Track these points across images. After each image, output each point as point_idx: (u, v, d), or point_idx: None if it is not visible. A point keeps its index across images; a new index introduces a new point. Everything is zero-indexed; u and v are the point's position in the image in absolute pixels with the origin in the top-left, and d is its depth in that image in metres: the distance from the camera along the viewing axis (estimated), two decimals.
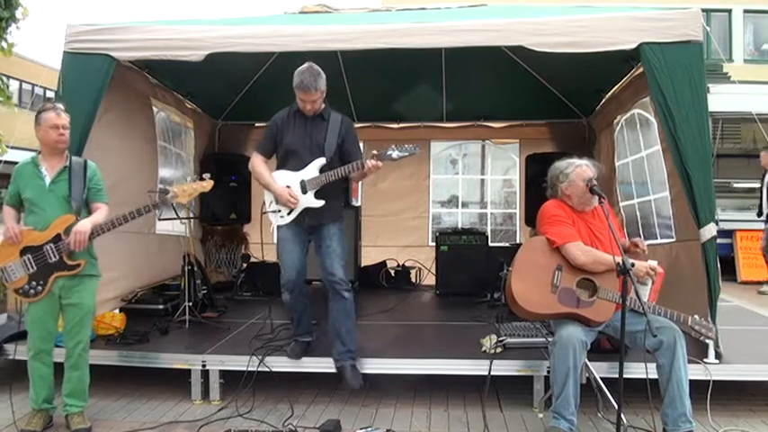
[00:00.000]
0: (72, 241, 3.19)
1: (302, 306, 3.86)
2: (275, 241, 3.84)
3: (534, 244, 3.35)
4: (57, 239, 3.23)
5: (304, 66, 3.55)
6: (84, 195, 3.34)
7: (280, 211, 3.66)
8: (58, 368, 3.43)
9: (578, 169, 3.31)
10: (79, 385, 3.38)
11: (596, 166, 3.38)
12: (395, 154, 3.48)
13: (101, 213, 3.35)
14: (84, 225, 3.23)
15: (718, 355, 3.69)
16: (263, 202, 3.77)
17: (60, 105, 3.32)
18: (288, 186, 3.60)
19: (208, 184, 3.45)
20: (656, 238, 5.07)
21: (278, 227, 3.73)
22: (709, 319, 3.43)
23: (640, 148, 5.41)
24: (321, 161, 3.58)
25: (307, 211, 3.62)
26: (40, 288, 3.23)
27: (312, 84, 3.49)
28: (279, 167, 3.72)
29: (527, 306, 3.20)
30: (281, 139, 3.70)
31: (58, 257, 3.23)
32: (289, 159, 3.67)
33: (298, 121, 3.68)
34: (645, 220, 5.48)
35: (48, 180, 3.29)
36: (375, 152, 3.48)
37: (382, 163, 3.49)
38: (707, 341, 3.58)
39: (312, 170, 3.59)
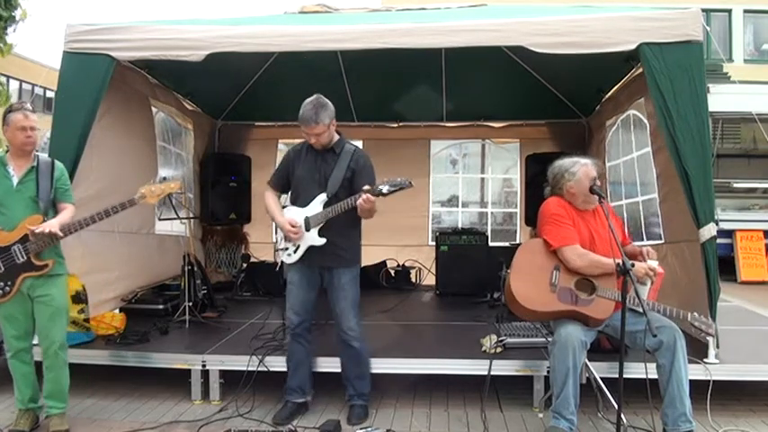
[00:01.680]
0: (39, 229, 3.14)
1: (301, 354, 3.63)
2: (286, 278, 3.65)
3: (532, 245, 3.36)
4: (24, 240, 3.20)
5: (311, 97, 3.42)
6: (52, 195, 3.32)
7: (287, 248, 3.54)
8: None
9: (585, 168, 3.31)
10: (56, 386, 3.33)
11: (598, 166, 3.39)
12: (385, 189, 3.30)
13: (67, 213, 3.33)
14: (52, 224, 3.20)
15: (717, 344, 3.68)
16: (276, 240, 3.65)
17: (28, 106, 3.27)
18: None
19: (175, 185, 3.44)
20: (643, 239, 5.08)
21: (288, 267, 3.58)
22: (710, 317, 3.42)
23: (632, 150, 5.43)
24: (322, 197, 3.44)
25: (314, 250, 3.47)
26: (8, 288, 3.21)
27: (312, 117, 3.35)
28: (291, 203, 3.61)
29: (527, 304, 3.20)
30: (293, 173, 3.58)
31: (25, 258, 3.21)
32: (299, 195, 3.54)
33: (309, 156, 3.54)
34: (633, 222, 5.51)
35: (15, 180, 3.27)
36: (366, 187, 3.30)
37: (375, 197, 3.29)
38: (707, 338, 3.58)
39: (316, 206, 3.45)
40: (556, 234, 3.24)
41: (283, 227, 3.49)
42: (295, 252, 3.51)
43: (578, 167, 3.31)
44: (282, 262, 3.62)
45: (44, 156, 3.42)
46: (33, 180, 3.28)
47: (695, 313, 3.16)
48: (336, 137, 3.55)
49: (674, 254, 4.31)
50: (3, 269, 3.21)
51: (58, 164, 3.44)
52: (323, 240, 3.43)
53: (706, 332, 3.19)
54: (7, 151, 3.34)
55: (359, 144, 7.64)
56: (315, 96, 3.44)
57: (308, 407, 3.68)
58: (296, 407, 3.60)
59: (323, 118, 3.37)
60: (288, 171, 3.63)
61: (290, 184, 3.63)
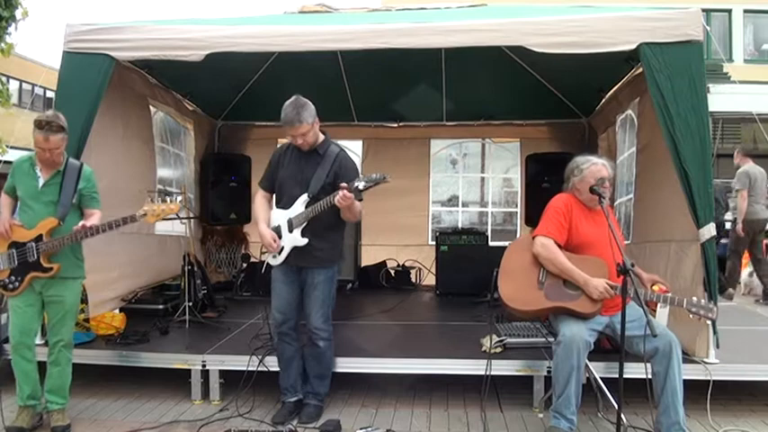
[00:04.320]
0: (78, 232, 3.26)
1: (289, 353, 3.62)
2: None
3: (520, 244, 3.43)
4: (38, 240, 3.28)
5: (290, 99, 3.42)
6: (75, 200, 3.38)
7: (272, 252, 3.56)
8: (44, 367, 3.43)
9: (593, 167, 3.33)
10: (59, 382, 3.40)
11: (613, 168, 3.42)
12: (360, 185, 3.24)
13: (93, 220, 3.37)
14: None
15: (717, 344, 3.67)
16: None
17: (54, 125, 3.20)
18: (278, 226, 3.51)
19: (175, 207, 3.45)
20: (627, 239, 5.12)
21: (273, 267, 3.61)
22: (710, 301, 3.35)
23: (624, 150, 5.47)
24: (304, 197, 3.44)
25: (293, 250, 3.48)
26: (17, 284, 3.29)
27: (295, 117, 3.34)
28: (276, 205, 3.63)
29: (514, 305, 3.26)
30: (277, 174, 3.60)
31: (36, 258, 3.27)
32: (282, 196, 3.56)
33: (293, 157, 3.56)
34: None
35: (41, 182, 3.33)
36: (344, 184, 3.27)
37: (352, 194, 3.26)
38: (708, 321, 3.52)
39: (298, 207, 3.45)
40: (542, 225, 3.30)
41: (264, 237, 3.50)
42: (280, 253, 3.52)
43: (587, 165, 3.34)
44: (268, 264, 3.63)
45: (74, 160, 3.45)
46: (58, 184, 3.34)
47: (693, 298, 3.15)
48: (321, 137, 3.55)
49: (638, 255, 4.32)
50: (17, 264, 3.29)
51: (86, 169, 3.46)
52: (305, 240, 3.44)
53: (705, 316, 3.15)
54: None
55: (359, 144, 7.73)
56: (294, 97, 3.43)
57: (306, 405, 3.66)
58: (292, 406, 3.60)
59: (305, 117, 3.37)
60: (274, 173, 3.64)
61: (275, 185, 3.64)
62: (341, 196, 3.25)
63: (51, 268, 3.29)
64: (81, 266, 3.48)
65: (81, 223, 3.29)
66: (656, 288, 3.22)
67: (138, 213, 3.37)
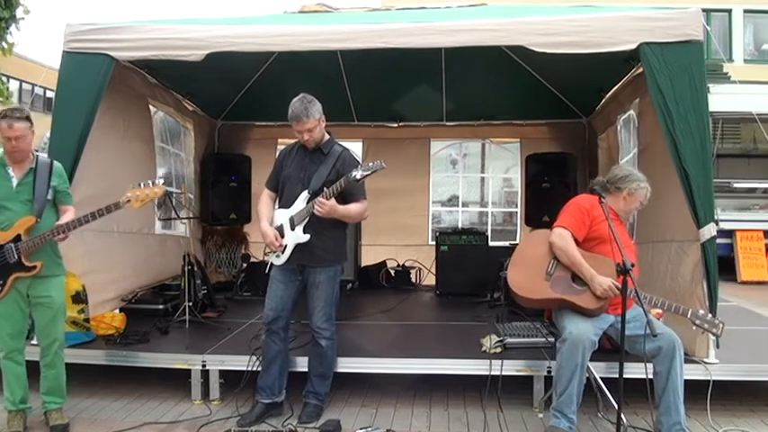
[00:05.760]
0: (59, 228, 3.24)
1: (273, 352, 3.57)
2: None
3: (535, 236, 3.49)
4: (17, 240, 3.23)
5: (296, 97, 3.45)
6: (50, 197, 3.34)
7: (275, 250, 3.56)
8: (33, 367, 3.42)
9: (645, 191, 3.40)
10: (56, 383, 3.39)
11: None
12: (358, 174, 3.28)
13: (70, 215, 3.35)
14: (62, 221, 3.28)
15: (717, 344, 3.66)
16: None
17: (17, 112, 3.21)
18: (281, 226, 3.51)
19: (159, 190, 3.42)
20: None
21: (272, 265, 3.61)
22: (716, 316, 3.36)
23: (630, 150, 5.47)
24: (304, 194, 3.45)
25: (297, 247, 3.48)
26: (0, 287, 3.24)
27: (302, 112, 3.38)
28: (278, 204, 3.64)
29: (521, 292, 3.30)
30: (281, 173, 3.62)
31: (16, 258, 3.22)
32: (284, 194, 3.59)
33: (297, 156, 3.59)
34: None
35: (15, 182, 3.29)
36: (326, 190, 3.32)
37: (327, 200, 3.26)
38: (711, 337, 3.55)
39: (299, 204, 3.47)
40: (563, 218, 3.32)
41: (267, 236, 3.50)
42: (283, 252, 3.52)
43: (644, 186, 3.39)
44: (272, 264, 3.62)
45: (44, 157, 3.41)
46: (31, 183, 3.30)
47: (700, 311, 3.15)
48: (327, 137, 3.57)
49: (641, 255, 4.31)
50: None
51: (57, 165, 3.43)
52: (307, 237, 3.45)
53: (709, 331, 3.17)
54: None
55: (358, 145, 7.74)
56: (301, 95, 3.46)
57: (282, 408, 3.62)
58: (264, 407, 3.54)
59: (313, 112, 3.41)
60: (279, 172, 3.66)
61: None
62: (317, 203, 3.27)
63: (34, 266, 3.24)
64: (60, 264, 3.44)
65: (60, 221, 3.26)
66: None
67: (121, 200, 3.34)
